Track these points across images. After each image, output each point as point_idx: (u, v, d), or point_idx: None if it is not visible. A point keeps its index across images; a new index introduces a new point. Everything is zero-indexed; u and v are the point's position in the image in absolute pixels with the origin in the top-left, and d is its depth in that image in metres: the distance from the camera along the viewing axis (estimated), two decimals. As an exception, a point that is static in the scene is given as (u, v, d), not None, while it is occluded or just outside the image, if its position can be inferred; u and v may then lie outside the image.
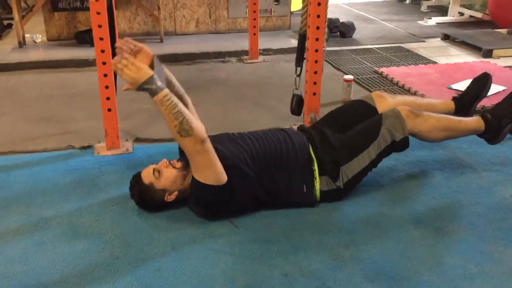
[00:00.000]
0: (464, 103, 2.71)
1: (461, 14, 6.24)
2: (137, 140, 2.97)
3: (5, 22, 5.59)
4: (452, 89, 3.71)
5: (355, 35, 5.45)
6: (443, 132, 2.42)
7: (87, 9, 4.99)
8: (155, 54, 2.23)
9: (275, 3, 5.44)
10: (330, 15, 5.62)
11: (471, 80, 3.83)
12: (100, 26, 2.62)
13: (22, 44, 4.82)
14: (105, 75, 2.70)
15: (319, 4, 2.80)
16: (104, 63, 2.69)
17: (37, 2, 5.13)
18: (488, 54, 4.61)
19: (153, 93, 1.98)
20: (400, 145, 2.32)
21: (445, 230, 2.14)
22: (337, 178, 2.25)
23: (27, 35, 4.99)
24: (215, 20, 5.37)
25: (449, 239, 2.08)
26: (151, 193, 2.20)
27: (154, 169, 2.21)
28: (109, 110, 2.77)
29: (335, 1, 7.62)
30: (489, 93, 3.59)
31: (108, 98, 2.75)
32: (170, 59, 4.56)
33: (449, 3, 6.31)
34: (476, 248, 2.02)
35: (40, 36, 5.09)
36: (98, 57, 2.69)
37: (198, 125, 2.03)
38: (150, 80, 1.97)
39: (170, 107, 1.98)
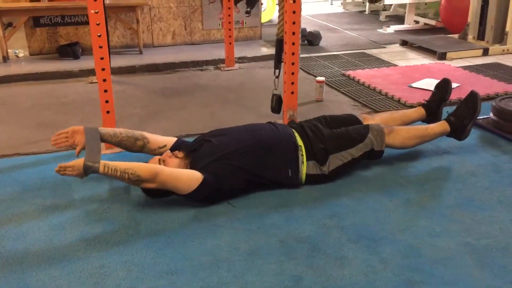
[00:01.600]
0: (432, 108, 3.11)
1: (417, 22, 6.75)
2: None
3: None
4: (412, 87, 4.13)
5: (322, 43, 5.85)
6: (414, 140, 2.82)
7: (68, 24, 5.29)
8: (85, 127, 2.58)
9: (246, 15, 5.78)
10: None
11: (428, 78, 4.28)
12: (99, 36, 2.89)
13: (6, 58, 5.00)
14: (104, 80, 2.97)
15: (294, 12, 3.15)
16: (103, 69, 2.95)
17: (17, 19, 5.34)
18: (442, 56, 5.07)
19: (95, 172, 2.31)
20: (375, 155, 2.72)
21: (413, 201, 2.50)
22: (324, 163, 2.58)
23: (9, 50, 5.17)
24: (190, 32, 5.69)
25: (417, 207, 2.44)
26: (158, 180, 2.47)
27: (159, 159, 2.50)
28: (108, 112, 3.04)
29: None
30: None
31: (107, 101, 3.01)
32: (151, 69, 4.85)
33: (405, 12, 6.82)
34: (440, 213, 2.38)
35: (22, 51, 5.28)
36: (97, 64, 2.94)
37: (144, 169, 2.30)
38: (86, 168, 2.29)
39: (113, 173, 2.30)
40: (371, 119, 3.00)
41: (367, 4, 7.80)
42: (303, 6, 7.66)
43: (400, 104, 3.80)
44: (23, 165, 2.93)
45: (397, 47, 5.70)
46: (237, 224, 2.32)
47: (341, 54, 5.39)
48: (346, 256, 2.08)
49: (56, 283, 1.93)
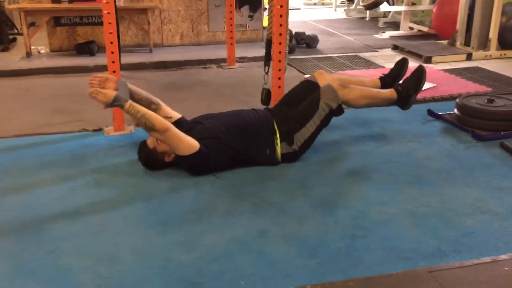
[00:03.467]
0: (387, 81, 3.49)
1: (411, 28, 7.16)
2: (138, 125, 3.70)
3: (10, 37, 6.29)
4: (393, 86, 4.54)
5: (319, 46, 6.30)
6: (366, 99, 3.22)
7: (85, 24, 5.81)
8: (117, 78, 3.01)
9: (249, 19, 6.26)
10: (298, 29, 6.50)
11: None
12: (111, 33, 3.37)
13: (29, 54, 5.53)
14: (114, 71, 3.44)
15: (281, 15, 3.59)
16: (113, 62, 3.43)
17: (40, 19, 5.87)
18: (427, 60, 5.48)
19: (120, 106, 2.77)
20: (337, 111, 3.10)
21: (371, 178, 2.92)
22: (292, 143, 3.02)
23: (32, 47, 5.70)
24: (197, 34, 6.18)
25: (373, 183, 2.86)
26: (155, 155, 2.93)
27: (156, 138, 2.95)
28: (117, 99, 3.51)
29: (304, 18, 8.52)
30: (423, 88, 4.44)
31: (116, 90, 3.49)
32: (159, 66, 5.34)
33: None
34: (392, 187, 2.80)
35: (44, 47, 5.82)
36: (108, 57, 3.42)
37: (160, 121, 2.77)
38: (115, 99, 2.76)
39: (134, 113, 2.76)
40: (329, 76, 3.34)
41: (368, 11, 8.21)
42: (307, 12, 8.02)
43: (378, 101, 4.21)
44: (42, 143, 3.41)
45: (388, 51, 6.12)
46: (219, 191, 2.77)
47: (335, 56, 5.83)
48: (306, 216, 2.51)
49: (67, 229, 2.39)
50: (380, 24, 7.77)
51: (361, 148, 3.34)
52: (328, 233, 2.37)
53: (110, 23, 3.36)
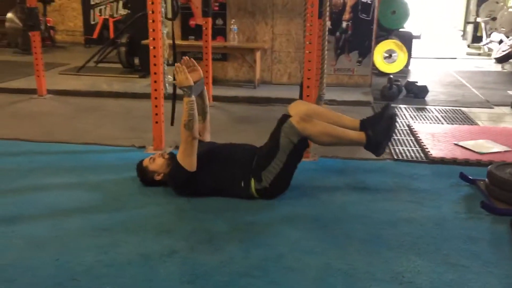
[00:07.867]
0: (367, 124, 3.17)
1: (558, 88, 6.22)
2: (177, 147, 4.13)
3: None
4: (458, 145, 4.11)
5: (429, 97, 5.94)
6: (329, 138, 3.05)
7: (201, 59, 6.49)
8: (203, 78, 3.32)
9: (357, 64, 6.26)
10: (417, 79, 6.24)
11: (485, 140, 4.22)
12: (155, 65, 3.89)
13: (155, 81, 6.46)
14: (156, 98, 3.95)
15: (309, 60, 3.68)
16: (155, 90, 3.93)
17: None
18: (536, 123, 4.77)
19: (186, 94, 3.06)
20: (301, 145, 3.04)
21: (327, 227, 2.80)
22: (261, 180, 3.08)
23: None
24: (304, 75, 6.40)
25: (320, 231, 2.74)
26: (146, 173, 3.31)
27: (150, 157, 3.33)
28: (157, 122, 4.00)
29: (447, 68, 8.04)
30: (492, 150, 3.97)
31: (156, 114, 3.98)
32: (251, 100, 5.75)
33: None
34: (334, 241, 2.64)
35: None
36: (152, 86, 3.94)
37: (197, 129, 3.08)
38: (188, 87, 3.07)
39: (189, 108, 3.05)
40: (303, 106, 3.27)
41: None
42: (461, 62, 7.69)
43: (425, 157, 3.88)
44: (94, 151, 4.07)
45: (505, 110, 5.47)
46: (177, 212, 3.01)
47: (434, 108, 5.45)
48: (224, 248, 2.56)
49: (33, 219, 2.91)
50: (529, 81, 6.92)
51: (352, 199, 3.20)
52: (226, 266, 2.41)
53: (155, 57, 3.89)
